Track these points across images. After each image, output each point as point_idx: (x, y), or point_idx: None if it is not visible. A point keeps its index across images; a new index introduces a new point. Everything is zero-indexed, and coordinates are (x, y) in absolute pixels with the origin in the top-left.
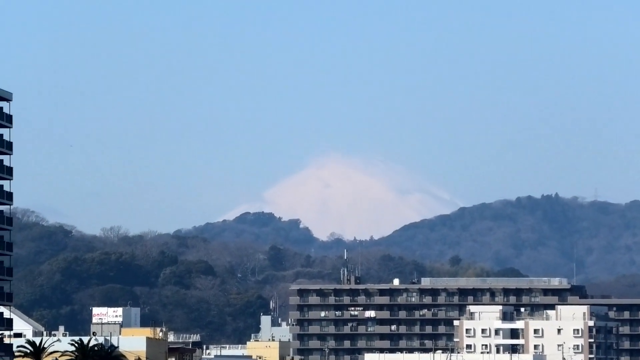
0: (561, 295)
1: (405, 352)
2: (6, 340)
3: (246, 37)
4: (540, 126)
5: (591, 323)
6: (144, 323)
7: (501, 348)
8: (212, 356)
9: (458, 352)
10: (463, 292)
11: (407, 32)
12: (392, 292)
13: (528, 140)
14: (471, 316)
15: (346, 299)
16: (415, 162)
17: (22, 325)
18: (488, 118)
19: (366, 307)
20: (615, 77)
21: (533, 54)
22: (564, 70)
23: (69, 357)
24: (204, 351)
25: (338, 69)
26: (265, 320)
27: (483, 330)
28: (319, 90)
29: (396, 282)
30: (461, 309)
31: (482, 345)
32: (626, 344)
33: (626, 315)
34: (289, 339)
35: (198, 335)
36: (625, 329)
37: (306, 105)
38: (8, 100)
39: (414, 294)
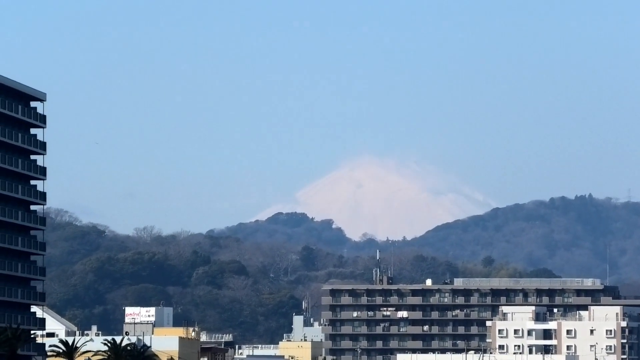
0: (594, 296)
1: (438, 353)
2: (39, 340)
3: (282, 39)
4: (574, 127)
5: (624, 324)
6: (176, 323)
7: (534, 349)
8: (245, 356)
9: (490, 353)
10: (496, 293)
11: (441, 34)
12: (425, 293)
13: (562, 141)
14: (504, 317)
15: (378, 300)
16: (449, 162)
17: (55, 325)
18: (522, 119)
19: (398, 308)
20: None
21: (566, 56)
22: (597, 71)
23: (102, 357)
24: (237, 351)
25: (372, 70)
26: (298, 320)
27: (516, 331)
28: (353, 91)
29: (429, 282)
30: (494, 309)
31: (515, 345)
32: None
33: None
34: (321, 339)
35: (230, 335)
36: None
37: (340, 106)
38: (42, 100)
39: (447, 294)
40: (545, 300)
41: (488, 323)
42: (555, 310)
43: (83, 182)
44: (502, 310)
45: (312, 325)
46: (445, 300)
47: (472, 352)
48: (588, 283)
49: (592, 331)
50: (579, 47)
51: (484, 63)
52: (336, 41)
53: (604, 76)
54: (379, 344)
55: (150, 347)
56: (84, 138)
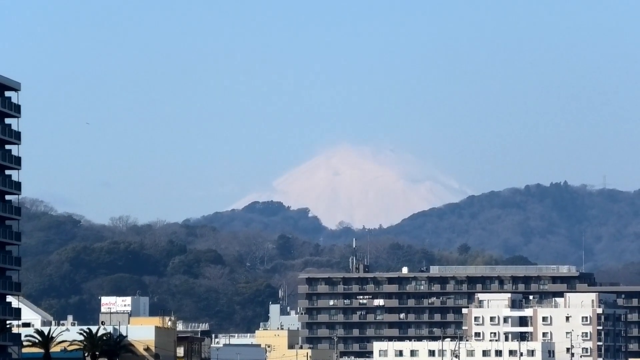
0: (570, 283)
1: (414, 340)
2: (15, 330)
3: (257, 28)
4: (549, 115)
5: (599, 310)
6: (152, 312)
7: (510, 336)
8: (221, 345)
9: (467, 340)
10: (472, 280)
11: (417, 23)
12: (401, 281)
13: (537, 128)
14: (480, 304)
15: (355, 288)
16: (425, 150)
17: (31, 314)
18: (497, 107)
19: (375, 296)
20: (623, 66)
21: (540, 43)
22: (572, 60)
23: (78, 347)
24: (213, 340)
25: (348, 58)
26: (274, 309)
27: (492, 318)
28: (330, 80)
29: (405, 270)
30: (470, 297)
31: (491, 333)
32: (635, 331)
33: (634, 302)
34: (298, 328)
35: (207, 324)
36: (633, 316)
37: (316, 94)
38: (16, 90)
39: (423, 282)
40: (521, 287)
41: (464, 310)
42: (531, 297)
43: (58, 172)
44: (478, 298)
45: (288, 313)
46: (422, 288)
47: (449, 339)
48: (564, 270)
49: (567, 318)
50: (553, 33)
51: (458, 52)
52: (313, 32)
53: (578, 64)
54: (356, 332)
55: (126, 336)
56: (59, 128)
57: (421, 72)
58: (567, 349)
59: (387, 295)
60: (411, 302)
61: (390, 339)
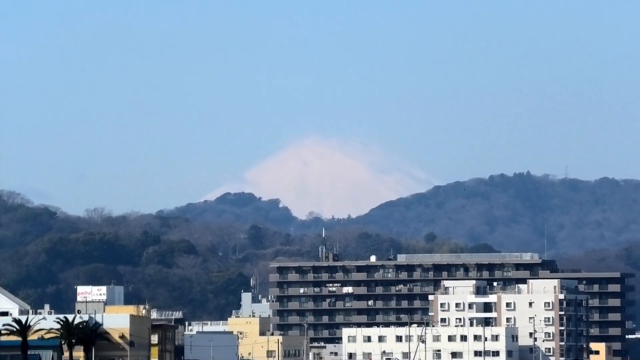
0: (533, 270)
1: (382, 327)
2: None
3: (229, 20)
4: (512, 107)
5: (562, 296)
6: (127, 301)
7: (475, 321)
8: (195, 332)
9: (433, 326)
10: (438, 268)
11: (383, 17)
12: (369, 269)
13: (501, 120)
14: (445, 291)
15: (324, 276)
16: (392, 142)
17: (8, 304)
18: (461, 99)
19: (344, 284)
20: (584, 59)
21: (502, 35)
22: (533, 53)
23: (55, 335)
24: (187, 327)
25: (317, 52)
26: (246, 297)
27: (457, 305)
28: (299, 73)
29: (373, 259)
30: (436, 284)
31: (456, 318)
32: (596, 316)
33: (595, 288)
34: (269, 315)
35: (180, 312)
36: (594, 302)
37: (286, 87)
38: None
39: (390, 270)
40: (486, 274)
41: (430, 297)
42: (495, 284)
43: (34, 165)
44: (444, 285)
45: (260, 301)
46: (389, 275)
47: (415, 325)
48: (527, 257)
49: (530, 304)
50: (515, 25)
51: (423, 45)
52: (285, 25)
53: (541, 57)
54: (325, 319)
55: (102, 324)
56: (35, 122)
57: (388, 66)
58: (530, 334)
59: (356, 283)
60: (379, 290)
61: (358, 325)
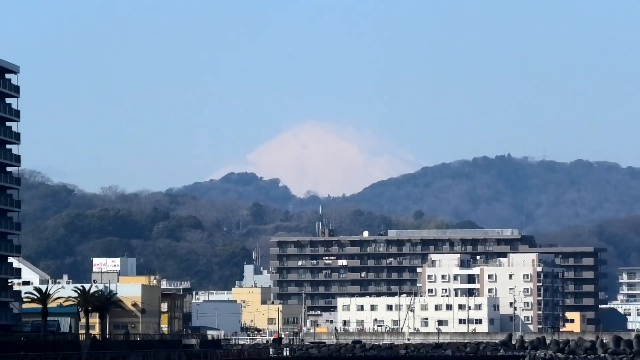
0: (513, 245)
1: (374, 297)
2: (15, 288)
3: (236, 8)
4: (494, 93)
5: (539, 269)
6: (139, 272)
7: (459, 292)
8: (201, 301)
9: (421, 296)
10: (425, 243)
11: (375, 7)
12: (362, 243)
13: (483, 106)
14: (432, 264)
15: (321, 250)
16: (383, 126)
17: (30, 274)
18: (447, 87)
19: (339, 257)
20: (561, 45)
21: (485, 21)
22: (516, 37)
23: (72, 302)
24: (194, 296)
25: (315, 43)
26: (249, 269)
27: (443, 276)
28: (298, 62)
29: (365, 234)
30: (423, 257)
31: (442, 289)
32: (571, 288)
33: (571, 262)
34: (270, 286)
35: (188, 282)
36: (569, 274)
37: (286, 75)
38: (15, 72)
39: (382, 244)
40: (469, 248)
41: (418, 269)
42: (478, 257)
43: (54, 146)
44: (431, 258)
45: (261, 273)
46: (380, 249)
47: (405, 295)
48: (507, 233)
49: (510, 276)
50: (496, 10)
51: (411, 37)
52: (285, 18)
53: (521, 44)
54: (322, 289)
55: (116, 293)
56: (55, 106)
57: (381, 56)
58: (510, 304)
59: (350, 257)
60: (371, 263)
61: (352, 295)
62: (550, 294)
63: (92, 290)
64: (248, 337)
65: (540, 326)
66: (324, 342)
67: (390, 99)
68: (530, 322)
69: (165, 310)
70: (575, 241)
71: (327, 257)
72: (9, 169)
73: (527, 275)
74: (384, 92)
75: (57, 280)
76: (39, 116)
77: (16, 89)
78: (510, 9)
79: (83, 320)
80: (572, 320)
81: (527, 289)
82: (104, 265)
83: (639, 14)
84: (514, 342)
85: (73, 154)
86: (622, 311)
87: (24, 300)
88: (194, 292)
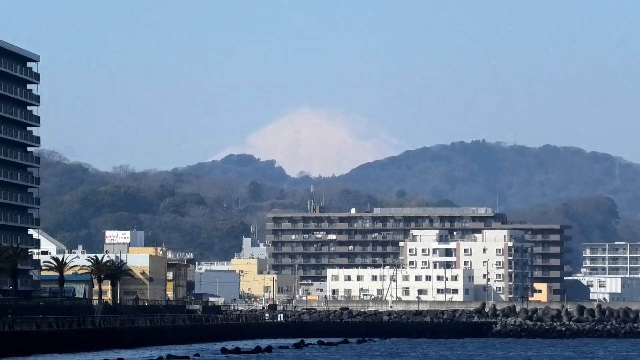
0: (486, 222)
1: (360, 268)
2: (35, 257)
3: (243, 7)
4: (471, 82)
5: (510, 244)
6: (147, 243)
7: (437, 264)
8: (203, 270)
9: (403, 268)
10: (407, 219)
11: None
12: (350, 219)
13: (461, 95)
14: (413, 239)
15: (312, 225)
16: (370, 113)
17: (48, 244)
18: (428, 78)
19: (328, 232)
20: (535, 31)
21: (463, 9)
22: (487, 29)
23: (86, 271)
24: (197, 266)
25: (309, 34)
26: (246, 242)
27: (423, 250)
28: (292, 53)
29: (353, 211)
30: (405, 232)
31: (422, 262)
32: (539, 261)
33: (539, 237)
34: (266, 257)
35: (191, 253)
36: (537, 249)
37: (282, 66)
38: (36, 61)
39: (368, 220)
40: (447, 225)
41: (401, 244)
42: (454, 233)
43: (71, 128)
44: (412, 234)
45: (258, 245)
46: (366, 225)
47: (388, 267)
48: (481, 211)
49: (484, 250)
50: (477, 4)
51: (395, 30)
52: (284, 13)
53: (495, 30)
54: (313, 261)
55: (126, 263)
56: (72, 91)
57: (369, 49)
58: (484, 275)
59: (339, 231)
60: (358, 237)
61: (340, 266)
62: (520, 267)
63: (104, 260)
64: (246, 304)
65: (511, 296)
66: (315, 309)
67: (377, 89)
68: (501, 292)
69: (171, 278)
70: (542, 219)
71: (318, 232)
72: (29, 149)
73: (499, 249)
74: (371, 82)
75: (73, 251)
76: (57, 101)
77: (36, 76)
78: (487, 1)
79: (96, 287)
80: (539, 291)
81: (499, 262)
82: (115, 237)
83: (607, 3)
84: (487, 310)
85: (88, 135)
86: (585, 283)
87: (43, 268)
88: (196, 263)
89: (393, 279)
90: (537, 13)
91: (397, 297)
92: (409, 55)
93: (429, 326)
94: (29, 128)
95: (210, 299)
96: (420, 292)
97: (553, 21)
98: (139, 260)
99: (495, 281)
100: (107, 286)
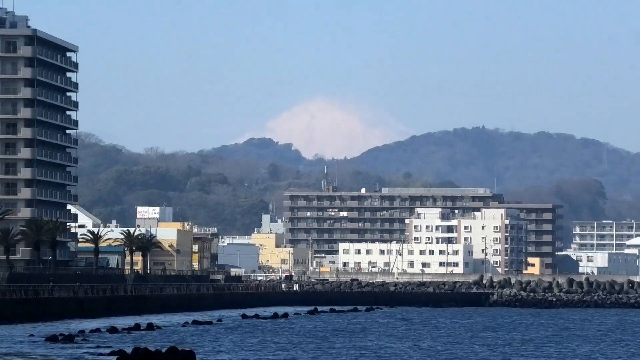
0: (485, 201)
1: (369, 243)
2: (73, 230)
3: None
4: (473, 73)
5: (507, 222)
6: (175, 219)
7: (440, 240)
8: (226, 244)
9: (408, 243)
10: (413, 199)
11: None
12: (360, 198)
13: (463, 84)
14: (418, 216)
15: (325, 203)
16: (380, 102)
17: (85, 219)
18: (433, 68)
19: (340, 209)
20: (532, 27)
21: (467, 6)
22: (485, 16)
23: (120, 243)
24: (220, 240)
25: (323, 26)
26: (266, 218)
27: (427, 227)
28: (309, 45)
29: (363, 190)
30: (411, 211)
31: (426, 237)
32: (532, 237)
33: (533, 216)
34: (283, 232)
35: (215, 228)
36: (532, 226)
37: (299, 58)
38: (75, 51)
39: (376, 199)
40: (449, 204)
41: (406, 221)
42: (456, 211)
43: (106, 112)
44: (417, 212)
45: (276, 222)
46: (375, 204)
47: (395, 242)
48: (480, 192)
49: (483, 227)
50: None
51: (402, 21)
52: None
53: (495, 28)
54: (326, 236)
55: (155, 236)
56: (107, 78)
57: (378, 42)
58: (482, 250)
59: (350, 209)
60: (367, 214)
61: (351, 241)
62: (515, 243)
63: (135, 233)
64: (264, 275)
65: (507, 269)
66: (327, 280)
67: (386, 80)
68: (498, 265)
69: (196, 250)
70: (536, 199)
71: (330, 210)
72: (68, 131)
73: (497, 226)
74: (380, 73)
75: (107, 225)
76: (94, 87)
77: (75, 65)
78: None
79: (128, 258)
80: (533, 265)
81: (497, 238)
82: (146, 213)
83: None
84: (484, 282)
85: (122, 119)
86: (574, 258)
87: (80, 240)
88: (220, 237)
89: (399, 253)
90: (534, 7)
91: (402, 270)
92: (415, 49)
93: (431, 296)
94: (68, 112)
95: (232, 269)
96: (423, 265)
97: (548, 17)
98: (167, 234)
99: (492, 255)
100: (138, 257)
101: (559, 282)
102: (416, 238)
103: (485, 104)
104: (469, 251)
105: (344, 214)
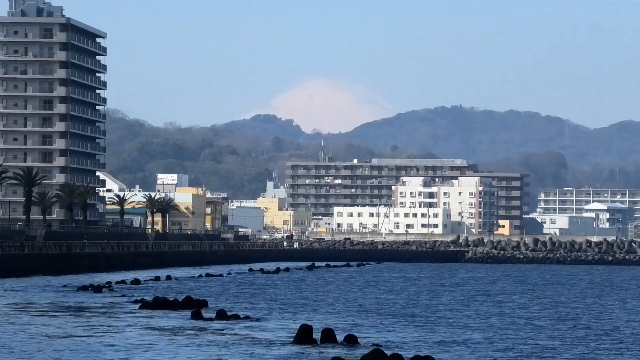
0: (462, 171)
1: (360, 207)
2: (101, 194)
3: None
4: (452, 56)
5: (480, 189)
6: (190, 185)
7: (422, 204)
8: (235, 207)
9: (394, 207)
10: (399, 168)
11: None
12: (353, 168)
13: (443, 66)
14: (403, 184)
15: (322, 172)
16: (371, 82)
17: (112, 184)
18: (416, 52)
19: (335, 177)
20: (501, 7)
21: None
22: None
23: (142, 205)
24: (229, 203)
25: (321, 11)
26: (270, 184)
27: (411, 193)
28: (308, 29)
29: (355, 161)
30: (397, 179)
31: (410, 202)
32: (503, 202)
33: (503, 184)
34: (285, 197)
35: (226, 193)
36: (502, 193)
37: (299, 41)
38: (104, 37)
39: (367, 169)
40: (430, 173)
41: (393, 188)
42: (436, 179)
43: (130, 90)
44: (402, 180)
45: (279, 188)
46: (366, 172)
47: (382, 206)
48: (458, 162)
49: (459, 193)
50: None
51: (391, 9)
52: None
53: (467, 10)
54: (322, 201)
55: (173, 200)
56: (132, 61)
57: (369, 25)
58: (459, 213)
59: (344, 177)
60: (359, 182)
61: (344, 205)
62: (488, 207)
63: (156, 197)
64: (268, 234)
65: (480, 230)
66: (324, 239)
67: (376, 63)
68: (473, 227)
69: (209, 212)
70: (507, 169)
71: (327, 177)
72: (97, 107)
73: (472, 193)
74: (371, 57)
75: (131, 189)
76: (121, 69)
77: (104, 49)
78: None
79: (149, 219)
80: (503, 226)
81: (471, 203)
82: (165, 179)
83: None
84: (461, 241)
85: (145, 97)
86: (539, 220)
87: (107, 203)
88: (229, 200)
89: (386, 215)
90: None
91: (389, 230)
92: (401, 36)
93: (414, 253)
94: (97, 91)
95: (240, 229)
96: (407, 226)
97: (518, 6)
98: (183, 198)
99: (467, 218)
100: (158, 218)
101: (526, 242)
102: (401, 203)
103: (462, 85)
104: (447, 214)
105: (338, 181)
